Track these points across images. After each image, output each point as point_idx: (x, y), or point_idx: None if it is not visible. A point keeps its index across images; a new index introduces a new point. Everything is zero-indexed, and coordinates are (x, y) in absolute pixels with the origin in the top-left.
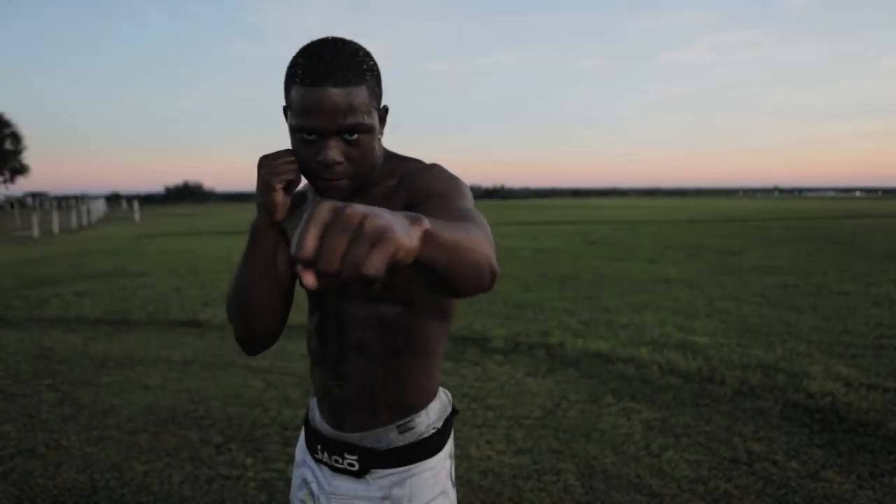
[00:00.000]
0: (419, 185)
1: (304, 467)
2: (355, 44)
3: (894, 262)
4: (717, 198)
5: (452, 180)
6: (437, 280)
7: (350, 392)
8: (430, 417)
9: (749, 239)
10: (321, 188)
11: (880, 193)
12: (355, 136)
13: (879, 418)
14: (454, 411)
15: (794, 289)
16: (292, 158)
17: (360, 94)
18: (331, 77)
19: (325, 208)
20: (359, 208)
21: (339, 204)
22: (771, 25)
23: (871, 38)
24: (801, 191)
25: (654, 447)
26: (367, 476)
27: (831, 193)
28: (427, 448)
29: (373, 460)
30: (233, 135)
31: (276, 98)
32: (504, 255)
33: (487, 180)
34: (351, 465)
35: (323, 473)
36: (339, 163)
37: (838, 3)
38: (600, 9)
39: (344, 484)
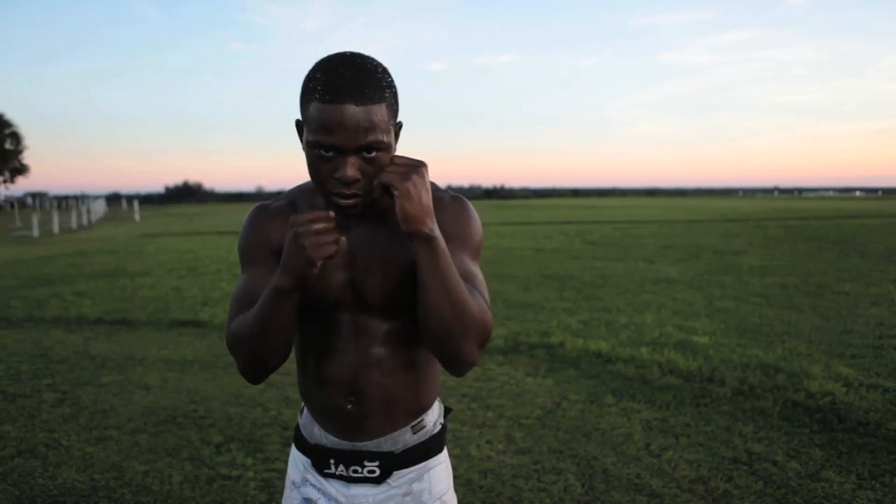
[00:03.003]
0: (450, 220)
1: (306, 487)
2: (374, 59)
3: (894, 262)
4: (717, 198)
5: (475, 231)
6: (420, 298)
7: (367, 406)
8: (436, 413)
9: (749, 239)
10: (335, 204)
11: (880, 193)
12: (373, 153)
13: (879, 418)
14: (449, 409)
15: (794, 289)
16: (331, 225)
17: (380, 111)
18: (352, 94)
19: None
20: (424, 178)
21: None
22: (771, 25)
23: (871, 38)
24: (801, 191)
25: (654, 447)
26: (388, 479)
27: (831, 193)
28: (437, 443)
29: (393, 463)
30: (233, 135)
31: (277, 98)
32: (504, 255)
33: (487, 180)
34: (372, 472)
35: (336, 487)
36: (357, 180)
37: (838, 2)
38: (600, 9)
39: (363, 491)
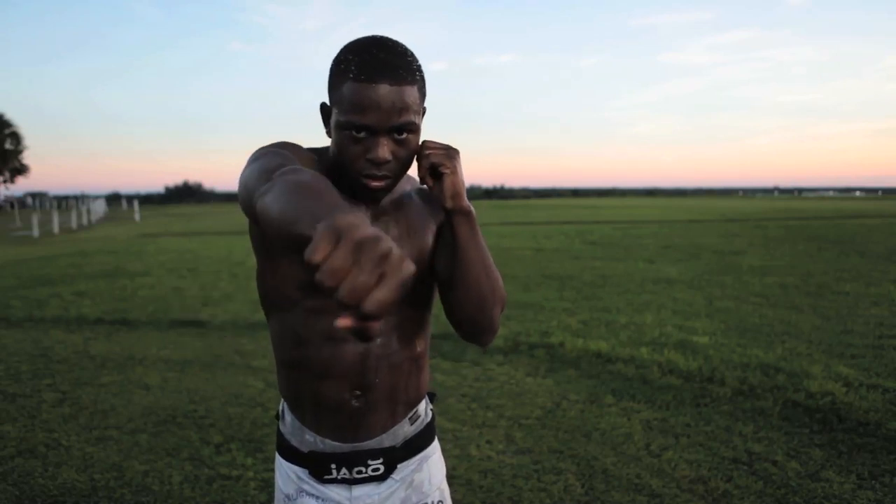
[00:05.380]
0: None
1: (303, 497)
2: (403, 44)
3: (894, 262)
4: (717, 198)
5: None
6: (455, 271)
7: (373, 400)
8: (426, 401)
9: (749, 239)
10: (363, 186)
11: (880, 193)
12: (404, 135)
13: (879, 418)
14: (433, 395)
15: (794, 289)
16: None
17: (413, 93)
18: (387, 74)
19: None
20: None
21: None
22: (771, 25)
23: (871, 39)
24: (801, 191)
25: (654, 447)
26: (392, 474)
27: (831, 193)
28: (431, 431)
29: (396, 458)
30: (233, 135)
31: (277, 98)
32: (504, 255)
33: (487, 180)
34: (376, 469)
35: (337, 491)
36: (388, 161)
37: (838, 2)
38: (600, 9)
39: (367, 491)
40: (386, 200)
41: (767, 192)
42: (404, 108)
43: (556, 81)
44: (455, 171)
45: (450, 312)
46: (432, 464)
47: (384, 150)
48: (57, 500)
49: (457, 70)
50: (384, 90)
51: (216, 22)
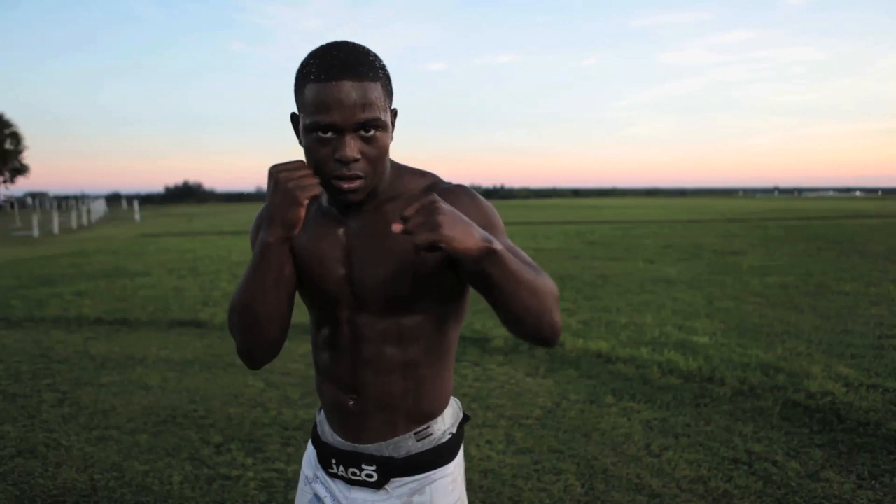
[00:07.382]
0: (473, 215)
1: (316, 483)
2: (365, 46)
3: (894, 262)
4: (717, 198)
5: (496, 215)
6: (497, 302)
7: (367, 405)
8: (446, 422)
9: (749, 239)
10: (337, 190)
11: (880, 193)
12: (372, 132)
13: (879, 418)
14: (466, 417)
15: (794, 289)
16: (311, 171)
17: (376, 89)
18: (347, 72)
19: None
20: (444, 206)
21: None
22: (771, 25)
23: (871, 38)
24: (801, 191)
25: (654, 447)
26: (387, 486)
27: (831, 193)
28: (445, 453)
29: (392, 469)
30: (233, 135)
31: (276, 98)
32: None
33: (487, 180)
34: (369, 476)
35: (338, 487)
36: (357, 160)
37: (838, 2)
38: (600, 9)
39: (362, 496)
40: (383, 199)
41: (767, 192)
42: (368, 104)
43: (556, 81)
44: (451, 239)
45: (510, 329)
46: (437, 488)
47: (351, 148)
48: (57, 500)
49: (457, 70)
50: (346, 87)
51: (217, 22)
